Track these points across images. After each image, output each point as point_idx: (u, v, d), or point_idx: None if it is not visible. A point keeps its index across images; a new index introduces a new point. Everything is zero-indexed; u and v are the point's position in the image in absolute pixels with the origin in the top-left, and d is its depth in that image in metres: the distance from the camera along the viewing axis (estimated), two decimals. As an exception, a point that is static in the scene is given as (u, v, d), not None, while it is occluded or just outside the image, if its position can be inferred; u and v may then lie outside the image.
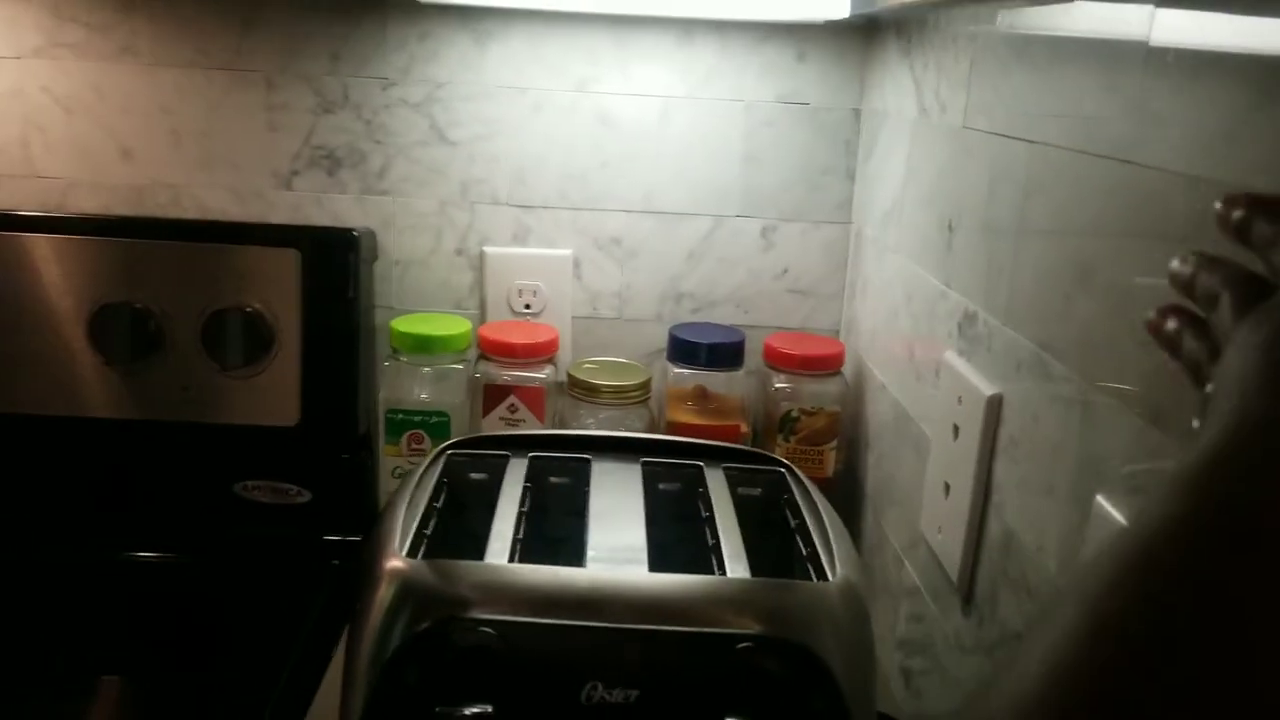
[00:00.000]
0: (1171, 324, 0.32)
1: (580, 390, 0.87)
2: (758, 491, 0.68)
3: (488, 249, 0.98)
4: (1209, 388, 0.27)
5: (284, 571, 0.89)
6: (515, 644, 0.49)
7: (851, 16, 0.85)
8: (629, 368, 0.91)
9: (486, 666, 0.49)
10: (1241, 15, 0.38)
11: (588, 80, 0.95)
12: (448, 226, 0.98)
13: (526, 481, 0.64)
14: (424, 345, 0.88)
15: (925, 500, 0.70)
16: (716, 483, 0.65)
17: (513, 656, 0.49)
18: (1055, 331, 0.52)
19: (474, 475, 0.67)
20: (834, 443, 0.89)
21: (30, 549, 0.89)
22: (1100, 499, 0.46)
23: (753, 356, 0.93)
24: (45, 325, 0.89)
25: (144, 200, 0.97)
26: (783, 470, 0.68)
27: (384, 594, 0.52)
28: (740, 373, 0.91)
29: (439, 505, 0.62)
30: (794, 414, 0.88)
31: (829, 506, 0.63)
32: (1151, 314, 0.33)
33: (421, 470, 0.64)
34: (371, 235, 0.95)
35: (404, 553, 0.54)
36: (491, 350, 0.88)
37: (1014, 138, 0.59)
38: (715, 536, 0.59)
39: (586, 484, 0.64)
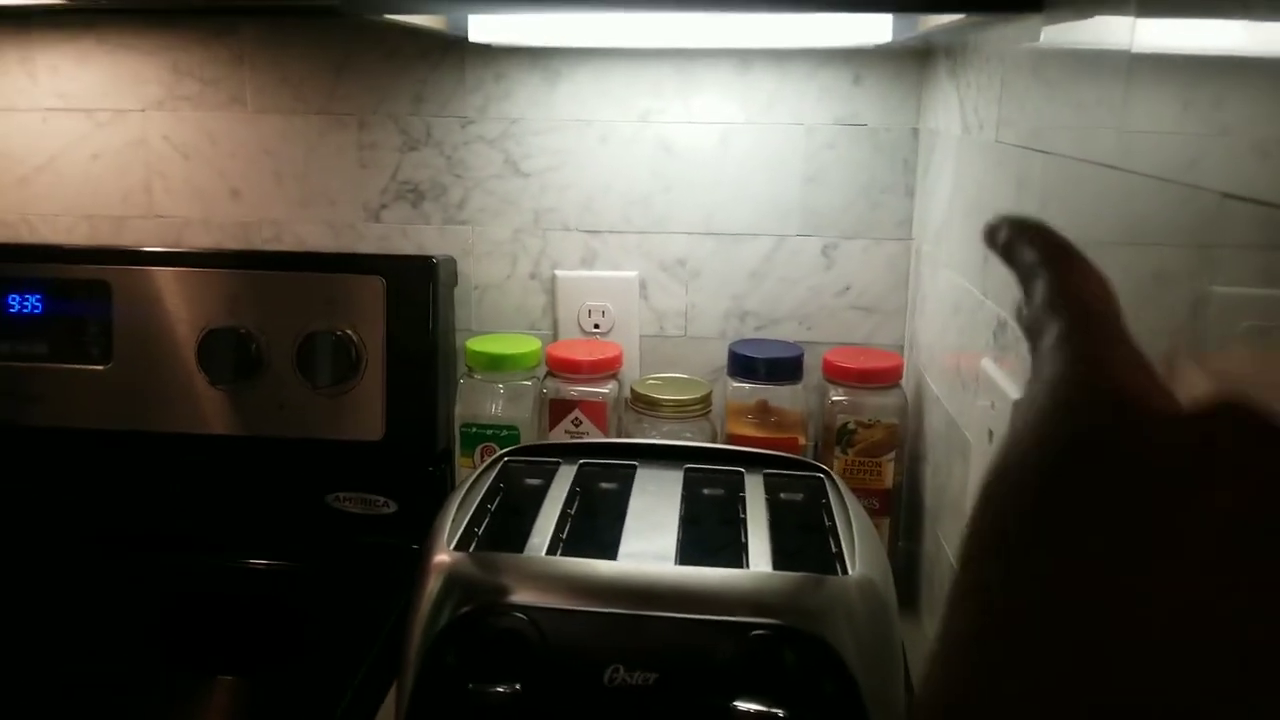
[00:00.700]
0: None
1: (642, 404, 0.91)
2: (799, 497, 0.71)
3: (559, 273, 1.03)
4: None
5: (372, 577, 0.95)
6: (545, 628, 0.53)
7: (905, 39, 0.87)
8: (690, 383, 0.95)
9: (518, 649, 0.53)
10: (1208, 19, 0.40)
11: (651, 111, 1.00)
12: (522, 252, 1.04)
13: (574, 485, 0.68)
14: (496, 364, 0.94)
15: (969, 506, 0.71)
16: (755, 488, 0.68)
17: (542, 640, 0.53)
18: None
19: (528, 480, 0.72)
20: (892, 454, 0.90)
21: (144, 554, 0.98)
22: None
23: (814, 372, 0.95)
24: (163, 349, 0.98)
25: (250, 236, 1.06)
26: (821, 476, 0.71)
27: (432, 585, 0.57)
28: (800, 387, 0.93)
29: (492, 507, 0.67)
30: (850, 426, 0.90)
31: (861, 510, 0.65)
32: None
33: (477, 474, 0.69)
34: (451, 262, 1.01)
35: (452, 547, 0.59)
36: (558, 367, 0.93)
37: (1032, 149, 0.60)
38: (745, 536, 0.62)
39: (630, 488, 0.68)
